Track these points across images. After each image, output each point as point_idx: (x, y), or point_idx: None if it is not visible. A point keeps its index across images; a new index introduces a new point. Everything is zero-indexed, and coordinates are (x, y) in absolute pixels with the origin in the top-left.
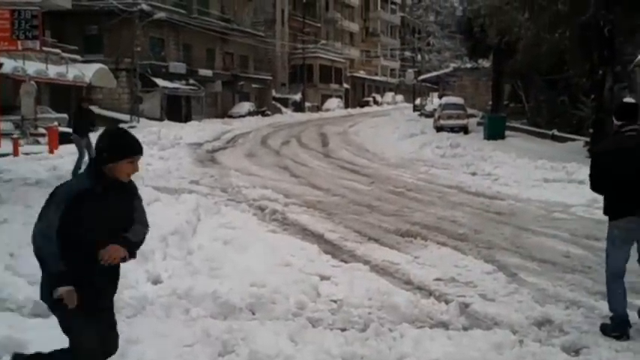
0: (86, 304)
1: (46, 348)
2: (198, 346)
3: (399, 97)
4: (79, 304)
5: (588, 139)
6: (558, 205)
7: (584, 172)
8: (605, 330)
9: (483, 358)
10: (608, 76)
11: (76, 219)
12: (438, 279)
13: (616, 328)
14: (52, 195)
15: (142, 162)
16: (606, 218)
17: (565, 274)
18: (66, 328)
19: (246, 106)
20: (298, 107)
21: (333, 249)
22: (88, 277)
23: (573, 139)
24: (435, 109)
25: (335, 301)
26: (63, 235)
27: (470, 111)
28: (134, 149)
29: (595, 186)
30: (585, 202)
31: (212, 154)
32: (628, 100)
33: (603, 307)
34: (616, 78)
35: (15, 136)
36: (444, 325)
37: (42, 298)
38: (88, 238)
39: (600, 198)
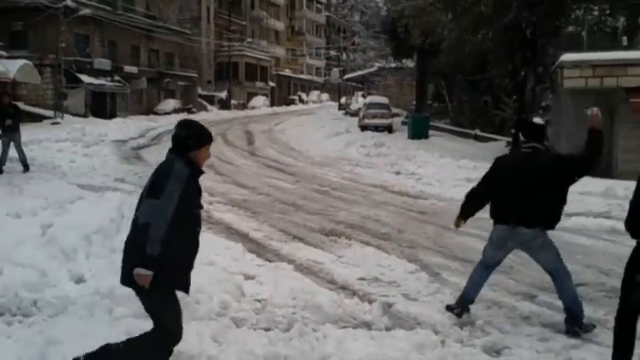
0: (181, 285)
1: None
2: None
3: (325, 96)
4: (172, 287)
5: (510, 140)
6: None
7: None
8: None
9: (405, 359)
10: (530, 77)
11: (186, 200)
12: (361, 278)
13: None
14: (167, 173)
15: (68, 159)
16: None
17: (496, 275)
18: (155, 311)
19: (171, 104)
20: (224, 105)
21: (257, 248)
22: (188, 257)
23: (495, 139)
24: (359, 108)
25: (259, 301)
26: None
27: (394, 110)
28: (211, 136)
29: (478, 189)
30: None
31: (137, 151)
32: (537, 120)
33: (524, 307)
34: (538, 79)
35: None
36: (367, 325)
37: (126, 282)
38: (191, 220)
39: None
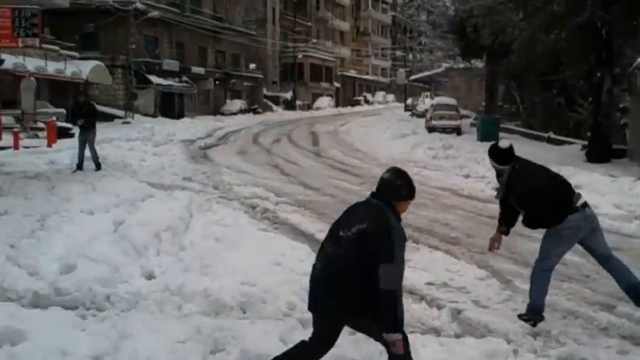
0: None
1: (44, 338)
2: (190, 343)
3: (390, 97)
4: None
5: (585, 143)
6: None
7: (581, 176)
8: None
9: None
10: (607, 78)
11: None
12: (429, 283)
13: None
14: (389, 233)
15: (138, 158)
16: (603, 225)
17: (562, 282)
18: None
19: (237, 104)
20: (289, 105)
21: None
22: None
23: (570, 142)
24: (426, 110)
25: None
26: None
27: (463, 112)
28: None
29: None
30: None
31: (204, 150)
32: (502, 144)
33: (602, 318)
34: (615, 80)
35: (15, 129)
36: (436, 331)
37: (318, 309)
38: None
39: (598, 204)
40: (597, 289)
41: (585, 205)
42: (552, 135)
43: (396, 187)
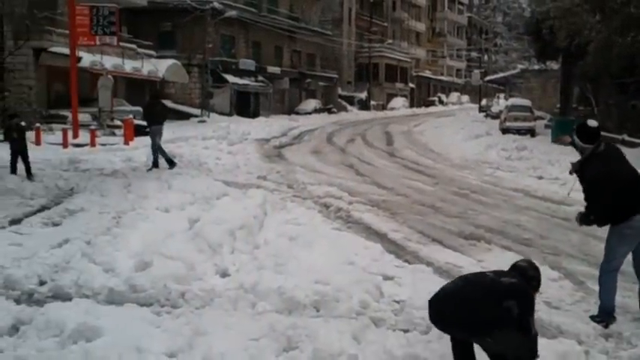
0: None
1: (119, 335)
2: (263, 341)
3: (465, 98)
4: None
5: None
6: None
7: None
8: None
9: None
10: None
11: None
12: None
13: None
14: (529, 303)
15: (213, 156)
16: None
17: (635, 284)
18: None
19: (312, 104)
20: (364, 105)
21: (396, 249)
22: None
23: None
24: (501, 111)
25: (398, 302)
26: None
27: (537, 113)
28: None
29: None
30: None
31: (279, 150)
32: (591, 122)
33: None
34: None
35: (92, 127)
36: None
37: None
38: None
39: None
40: None
41: None
42: (627, 137)
43: (530, 277)
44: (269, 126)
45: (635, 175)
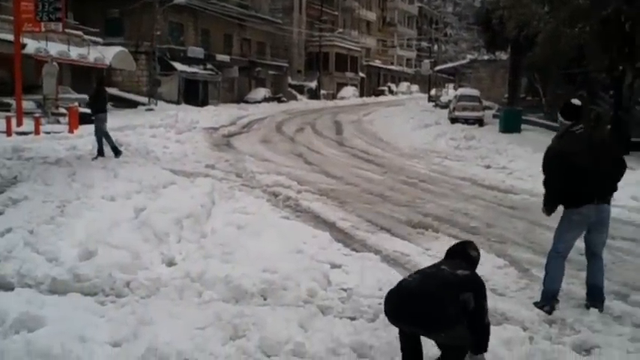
0: None
1: (63, 324)
2: (210, 329)
3: (415, 87)
4: None
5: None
6: None
7: None
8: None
9: (493, 354)
10: (628, 72)
11: None
12: None
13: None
14: (484, 293)
15: (161, 145)
16: (620, 217)
17: (579, 271)
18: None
19: (262, 92)
20: (314, 95)
21: (344, 237)
22: None
23: None
24: (450, 101)
25: (345, 290)
26: None
27: (486, 103)
28: None
29: (552, 181)
30: None
31: (228, 138)
32: (574, 101)
33: (616, 306)
34: (636, 74)
35: (37, 115)
36: None
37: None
38: None
39: (616, 195)
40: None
41: (607, 202)
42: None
43: (476, 260)
44: (218, 115)
45: (599, 166)
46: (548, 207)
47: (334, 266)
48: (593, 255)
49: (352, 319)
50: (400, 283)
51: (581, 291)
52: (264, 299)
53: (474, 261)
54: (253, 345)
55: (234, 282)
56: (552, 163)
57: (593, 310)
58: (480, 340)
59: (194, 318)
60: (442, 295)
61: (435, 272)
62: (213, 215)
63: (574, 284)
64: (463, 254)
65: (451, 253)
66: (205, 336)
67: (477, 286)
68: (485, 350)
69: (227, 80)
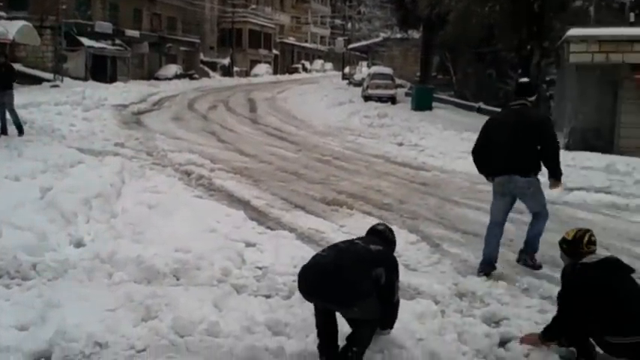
0: None
1: None
2: (121, 311)
3: (328, 65)
4: None
5: None
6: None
7: None
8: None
9: (405, 328)
10: (536, 51)
11: None
12: None
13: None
14: (396, 269)
15: (67, 122)
16: None
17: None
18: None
19: (173, 69)
20: (227, 72)
21: (258, 216)
22: None
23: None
24: (363, 79)
25: (260, 268)
26: None
27: (398, 81)
28: None
29: (475, 149)
30: None
31: (137, 116)
32: (523, 79)
33: (524, 279)
34: (543, 53)
35: None
36: None
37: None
38: None
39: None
40: None
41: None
42: (483, 105)
43: (393, 241)
44: (127, 91)
45: (514, 140)
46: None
47: (249, 245)
48: (534, 215)
49: (267, 297)
50: (314, 258)
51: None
52: (177, 279)
53: (389, 240)
54: (166, 326)
55: (146, 262)
56: (480, 133)
57: (502, 283)
58: (387, 316)
59: (104, 300)
60: (355, 269)
61: (349, 247)
62: (124, 195)
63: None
64: (380, 234)
65: (371, 231)
66: (116, 317)
67: (389, 262)
68: (392, 327)
69: (137, 56)
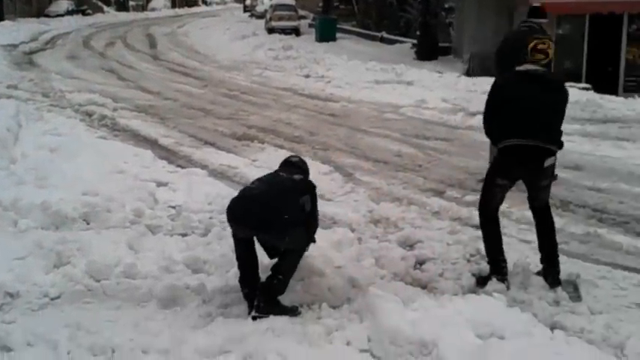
0: None
1: None
2: (30, 259)
3: None
4: None
5: (415, 41)
6: (389, 106)
7: (412, 73)
8: None
9: (324, 256)
10: None
11: None
12: None
13: None
14: (316, 196)
15: None
16: (433, 119)
17: (398, 172)
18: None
19: (64, 5)
20: (121, 6)
21: (168, 154)
22: None
23: (401, 42)
24: (266, 10)
25: (174, 207)
26: None
27: (301, 12)
28: None
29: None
30: (414, 103)
31: (30, 56)
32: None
33: (434, 203)
34: None
35: None
36: None
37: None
38: None
39: (427, 98)
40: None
41: None
42: (385, 34)
43: (307, 170)
44: (16, 30)
45: None
46: None
47: (160, 184)
48: None
49: (184, 235)
50: (243, 191)
51: (401, 190)
52: (87, 223)
53: (305, 169)
54: (80, 271)
55: (53, 208)
56: None
57: (414, 208)
58: (312, 237)
59: (11, 248)
60: (285, 198)
61: (275, 179)
62: (22, 139)
63: (394, 185)
64: (296, 164)
65: (286, 163)
66: (26, 266)
67: (312, 190)
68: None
69: None
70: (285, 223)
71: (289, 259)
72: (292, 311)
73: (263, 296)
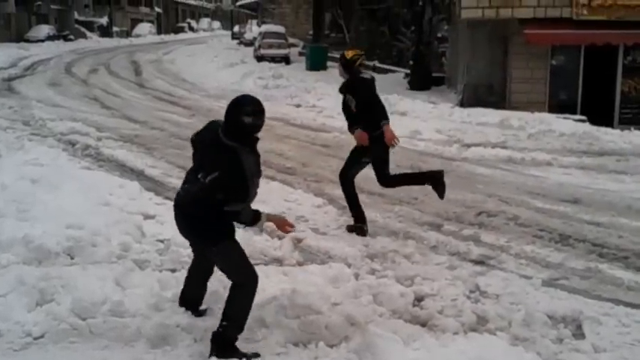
0: None
1: None
2: (12, 296)
3: (216, 24)
4: None
5: (408, 71)
6: None
7: (405, 104)
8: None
9: (320, 293)
10: (428, 8)
11: None
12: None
13: None
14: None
15: None
16: (428, 150)
17: (393, 205)
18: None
19: (45, 30)
20: (105, 32)
21: (155, 186)
22: None
23: (394, 71)
24: (255, 38)
25: (162, 241)
26: None
27: (291, 40)
28: None
29: None
30: (408, 134)
31: (8, 82)
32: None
33: (431, 237)
34: (435, 9)
35: None
36: (279, 262)
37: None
38: None
39: (421, 129)
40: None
41: None
42: (377, 64)
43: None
44: None
45: None
46: None
47: (147, 217)
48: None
49: (173, 270)
50: (176, 197)
51: (397, 224)
52: (72, 258)
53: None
54: (65, 308)
55: (35, 242)
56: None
57: (411, 242)
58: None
59: None
60: (196, 203)
61: (189, 177)
62: (1, 169)
63: (390, 218)
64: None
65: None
66: (8, 304)
67: (233, 155)
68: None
69: (2, 16)
70: (205, 230)
71: (236, 299)
72: (253, 357)
73: (215, 345)
